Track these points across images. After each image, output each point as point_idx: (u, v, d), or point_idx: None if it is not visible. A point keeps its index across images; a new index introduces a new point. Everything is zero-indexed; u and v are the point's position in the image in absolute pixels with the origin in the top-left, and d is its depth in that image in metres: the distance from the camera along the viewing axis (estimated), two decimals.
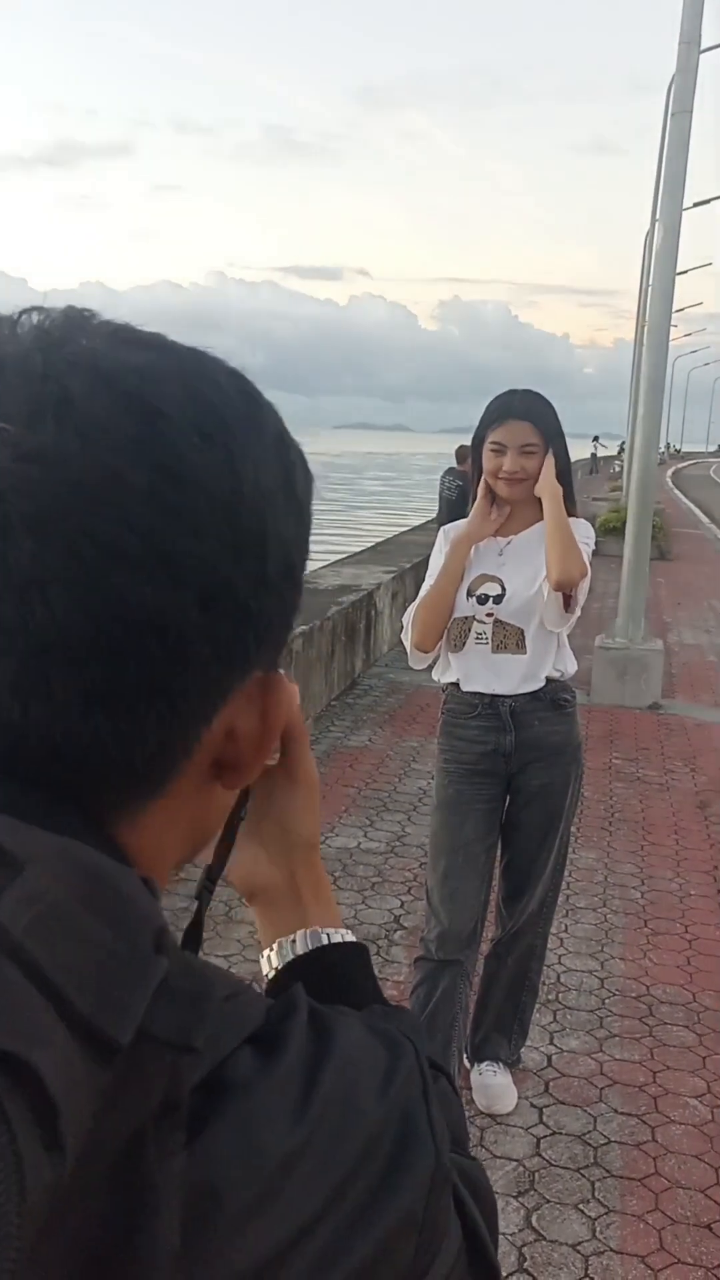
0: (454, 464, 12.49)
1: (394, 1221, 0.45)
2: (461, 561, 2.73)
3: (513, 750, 2.74)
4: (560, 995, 3.51)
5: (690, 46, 6.76)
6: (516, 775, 2.77)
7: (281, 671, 0.53)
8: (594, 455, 43.19)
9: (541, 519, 2.71)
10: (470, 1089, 2.95)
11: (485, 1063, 2.98)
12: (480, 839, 2.78)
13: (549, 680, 2.74)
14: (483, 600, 2.72)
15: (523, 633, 2.70)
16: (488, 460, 2.70)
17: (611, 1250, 2.42)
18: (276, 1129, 0.41)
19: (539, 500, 2.70)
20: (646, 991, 3.56)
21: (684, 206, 7.06)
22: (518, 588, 2.70)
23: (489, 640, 2.71)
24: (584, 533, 2.70)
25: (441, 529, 2.86)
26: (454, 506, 12.28)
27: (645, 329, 7.76)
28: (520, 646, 2.70)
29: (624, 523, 8.22)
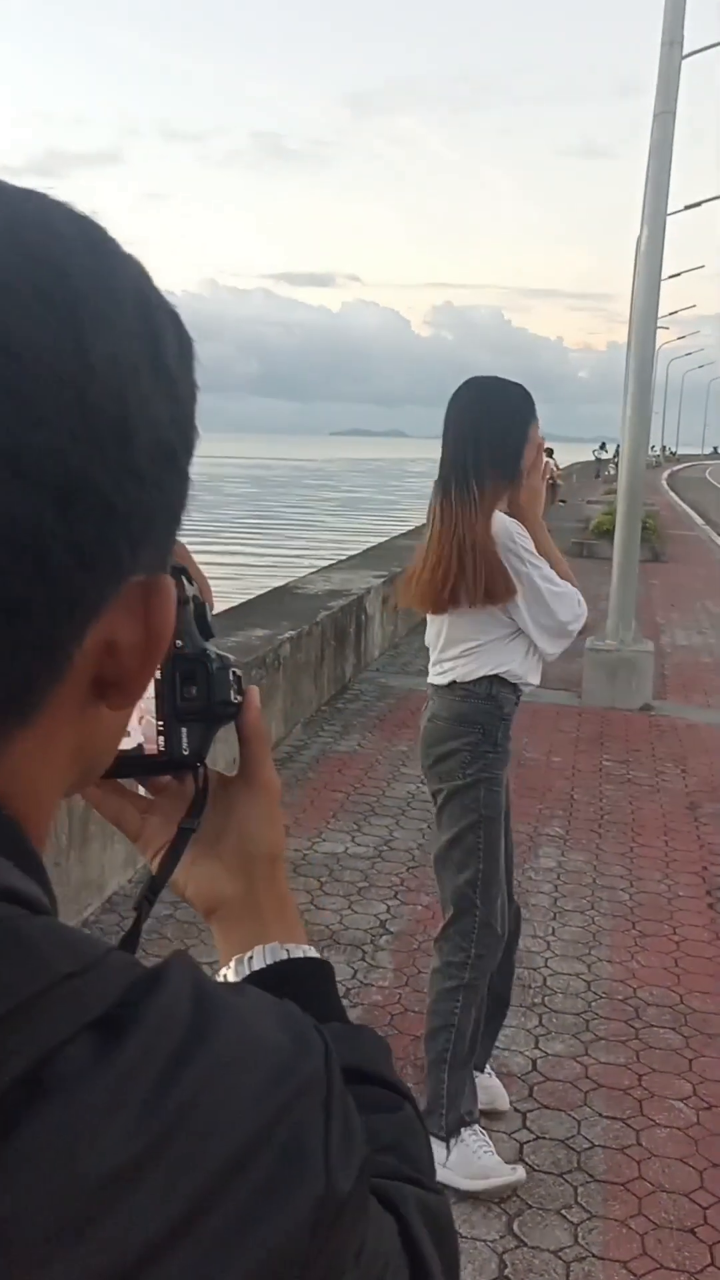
0: None
1: (262, 1256, 0.38)
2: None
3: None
4: (546, 999, 3.49)
5: (673, 47, 6.76)
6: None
7: (170, 575, 0.47)
8: (598, 459, 43.27)
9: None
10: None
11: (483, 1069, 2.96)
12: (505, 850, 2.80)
13: None
14: None
15: None
16: (540, 459, 2.69)
17: (594, 1256, 2.40)
18: (104, 1138, 0.35)
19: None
20: (633, 994, 3.54)
21: (675, 209, 7.06)
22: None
23: None
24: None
25: (516, 525, 2.64)
26: None
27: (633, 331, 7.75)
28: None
29: None
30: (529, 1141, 2.79)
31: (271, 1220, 0.39)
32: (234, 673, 0.68)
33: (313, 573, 9.29)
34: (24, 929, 0.37)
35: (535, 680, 2.78)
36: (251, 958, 0.68)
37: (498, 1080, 2.95)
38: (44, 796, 0.46)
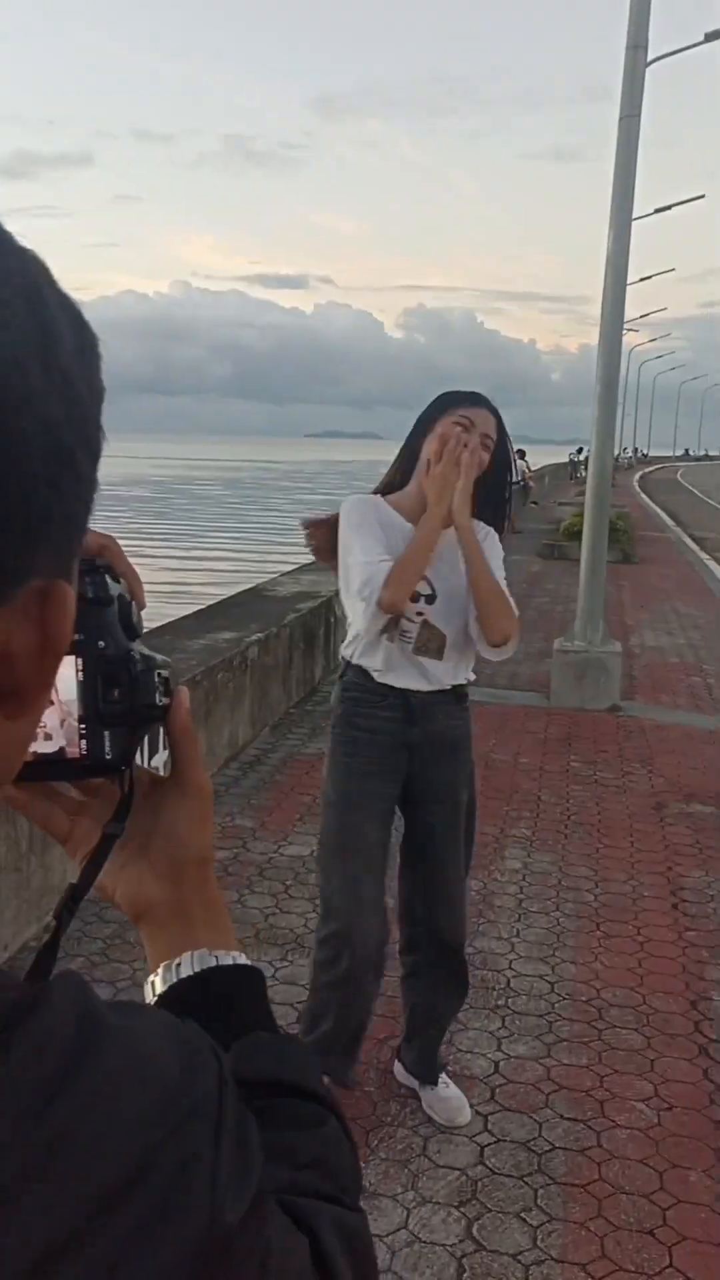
0: None
1: None
2: (438, 529, 2.56)
3: (418, 743, 2.69)
4: (510, 1001, 3.48)
5: (637, 51, 6.79)
6: (420, 773, 2.71)
7: (67, 581, 0.45)
8: (573, 462, 43.45)
9: (474, 515, 2.64)
10: (423, 1106, 2.91)
11: (439, 1078, 2.94)
12: (380, 840, 2.73)
13: (454, 685, 2.71)
14: (414, 598, 2.63)
15: (445, 639, 2.64)
16: (445, 427, 2.56)
17: (552, 1259, 2.39)
18: None
19: (473, 499, 2.59)
20: (597, 995, 3.54)
21: (644, 213, 7.09)
22: (448, 592, 2.64)
23: (413, 639, 2.64)
24: (495, 550, 2.64)
25: (361, 498, 2.67)
26: None
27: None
28: (440, 653, 2.64)
29: None
30: (490, 1145, 2.78)
31: (148, 1256, 0.38)
32: (160, 674, 0.66)
33: (282, 575, 9.28)
34: None
35: (372, 664, 2.66)
36: (179, 964, 0.67)
37: (455, 1091, 2.93)
38: None
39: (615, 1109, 2.95)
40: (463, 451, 2.53)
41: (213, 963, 0.68)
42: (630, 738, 6.72)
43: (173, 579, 18.68)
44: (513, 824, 5.11)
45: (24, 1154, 0.35)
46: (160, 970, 0.68)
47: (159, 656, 0.67)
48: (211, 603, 7.71)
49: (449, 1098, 2.89)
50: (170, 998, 0.66)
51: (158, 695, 0.66)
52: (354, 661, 2.71)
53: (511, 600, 2.62)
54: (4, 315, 0.39)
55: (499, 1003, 3.47)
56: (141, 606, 0.69)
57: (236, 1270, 0.42)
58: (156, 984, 0.68)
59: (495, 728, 6.75)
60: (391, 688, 2.67)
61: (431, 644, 2.64)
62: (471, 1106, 2.92)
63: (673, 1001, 3.52)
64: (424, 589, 2.63)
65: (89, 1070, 0.39)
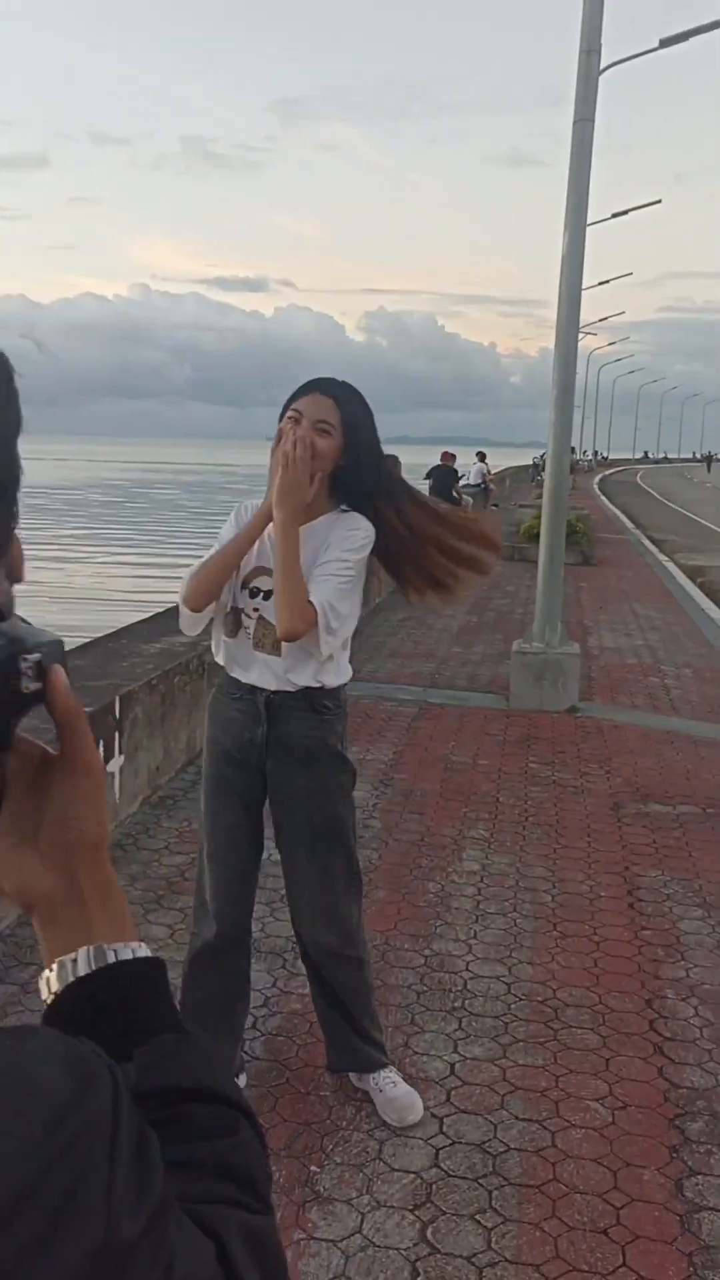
0: None
1: None
2: (260, 531, 2.62)
3: (263, 743, 2.70)
4: (467, 1002, 3.48)
5: (590, 56, 6.83)
6: (273, 773, 2.73)
7: None
8: (535, 465, 43.69)
9: (331, 510, 2.65)
10: (375, 1106, 2.90)
11: (379, 1074, 2.91)
12: (240, 824, 2.78)
13: (306, 688, 2.67)
14: (254, 594, 2.65)
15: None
16: (283, 429, 2.58)
17: (506, 1260, 2.39)
18: None
19: (328, 487, 2.60)
20: (553, 995, 3.55)
21: (601, 218, 7.14)
22: None
23: (251, 635, 2.66)
24: (344, 546, 2.58)
25: (237, 505, 2.78)
26: None
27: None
28: (276, 649, 2.63)
29: None
30: (445, 1147, 2.77)
31: (42, 1270, 0.38)
32: (26, 658, 0.62)
33: None
34: None
35: (220, 659, 2.75)
36: (75, 960, 0.66)
37: (403, 1089, 2.91)
38: None
39: (570, 1109, 2.96)
40: (288, 447, 2.54)
41: (110, 958, 0.66)
42: (588, 738, 6.75)
43: (130, 583, 18.59)
44: (471, 825, 5.11)
45: None
46: (55, 968, 0.66)
47: (32, 639, 0.63)
48: (169, 606, 7.67)
49: (396, 1097, 2.88)
50: (67, 997, 0.65)
51: (24, 681, 0.62)
52: (216, 659, 2.81)
53: (322, 606, 2.51)
54: None
55: (456, 1005, 3.46)
56: (17, 580, 0.64)
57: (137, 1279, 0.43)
58: (52, 981, 0.66)
59: (454, 729, 6.76)
60: (239, 683, 2.71)
61: (267, 639, 2.65)
62: (427, 1109, 2.92)
63: (628, 1000, 3.53)
64: (266, 585, 2.64)
65: None
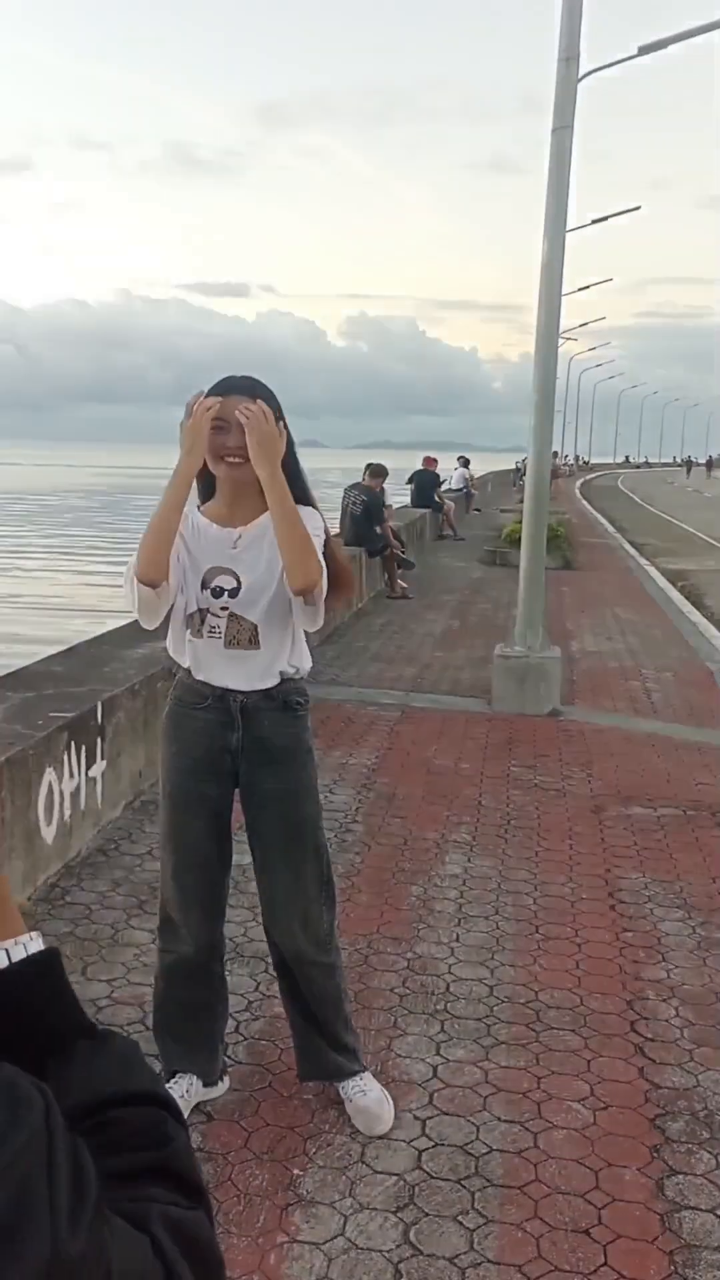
0: (360, 479, 12.58)
1: None
2: (185, 487, 2.56)
3: (239, 748, 2.71)
4: (449, 1005, 3.49)
5: (569, 63, 6.88)
6: (248, 779, 2.74)
7: None
8: (516, 470, 43.77)
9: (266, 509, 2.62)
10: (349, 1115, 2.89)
11: (349, 1083, 2.90)
12: (210, 835, 2.77)
13: (283, 678, 2.70)
14: (218, 593, 2.64)
15: (256, 628, 2.65)
16: (210, 440, 2.56)
17: (489, 1261, 2.40)
18: None
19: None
20: (535, 997, 3.57)
21: (581, 224, 7.18)
22: (254, 581, 2.64)
23: (222, 634, 2.66)
24: (315, 524, 2.60)
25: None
26: (358, 522, 12.34)
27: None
28: (254, 642, 2.65)
29: None
30: (427, 1149, 2.78)
31: None
32: None
33: None
34: None
35: (184, 662, 2.74)
36: None
37: (373, 1098, 2.88)
38: None
39: (552, 1110, 2.97)
40: (243, 410, 2.52)
41: (3, 961, 0.63)
42: (570, 742, 6.78)
43: (111, 589, 18.41)
44: (453, 829, 5.13)
45: None
46: None
47: None
48: None
49: (365, 1106, 2.86)
50: None
51: None
52: (176, 661, 2.78)
53: (319, 554, 2.56)
54: None
55: (438, 1007, 3.47)
56: None
57: None
58: None
59: (436, 733, 6.78)
60: (211, 687, 2.69)
61: (242, 635, 2.65)
62: (409, 1112, 2.93)
63: (609, 1002, 3.55)
64: (229, 583, 2.65)
65: None
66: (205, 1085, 2.92)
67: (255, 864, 2.85)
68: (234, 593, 2.64)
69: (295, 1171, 2.68)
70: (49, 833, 4.28)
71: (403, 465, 22.47)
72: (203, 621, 2.66)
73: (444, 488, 22.15)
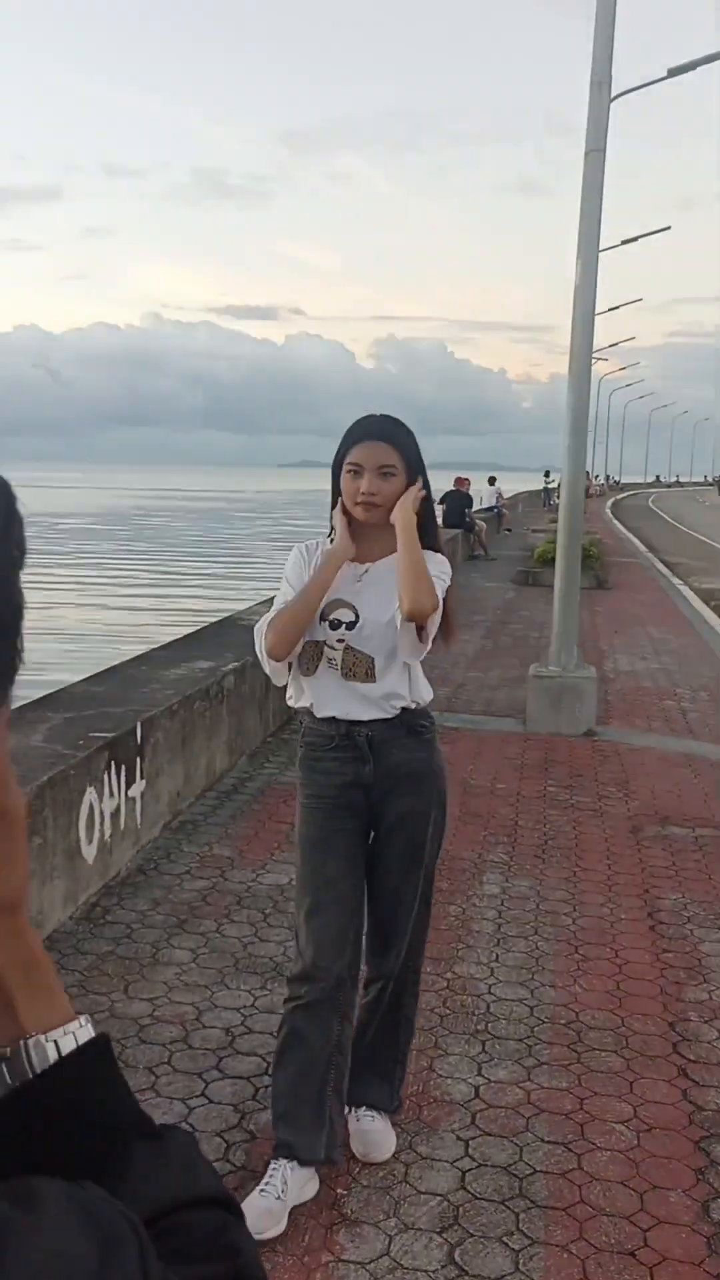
0: None
1: None
2: (333, 575, 2.66)
3: (372, 781, 2.69)
4: (490, 1025, 3.49)
5: (601, 88, 6.93)
6: (377, 806, 2.72)
7: None
8: (546, 489, 43.66)
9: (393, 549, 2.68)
10: (349, 1135, 2.84)
11: (363, 1109, 2.88)
12: (345, 875, 2.71)
13: (403, 709, 2.71)
14: (335, 626, 2.67)
15: (373, 661, 2.66)
16: (345, 483, 2.66)
17: None
18: None
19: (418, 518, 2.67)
20: (576, 1018, 3.56)
21: (610, 245, 7.21)
22: (371, 615, 2.67)
23: (339, 666, 2.68)
24: (438, 567, 2.67)
25: (299, 546, 2.81)
26: None
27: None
28: (370, 675, 2.66)
29: None
30: (471, 1169, 2.78)
31: None
32: None
33: (256, 604, 9.30)
34: None
35: (307, 702, 2.74)
36: (9, 1059, 0.56)
37: (379, 1125, 2.87)
38: None
39: (595, 1131, 2.96)
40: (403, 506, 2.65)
41: (51, 1054, 0.56)
42: (606, 762, 6.76)
43: (147, 610, 18.66)
44: (490, 849, 5.12)
45: None
46: None
47: None
48: (186, 632, 7.71)
49: (370, 1130, 2.85)
50: (3, 1105, 0.54)
51: None
52: (296, 706, 2.79)
53: (438, 589, 2.63)
54: None
55: (479, 1027, 3.47)
56: None
57: None
58: None
59: (472, 753, 6.78)
60: (336, 722, 2.68)
61: (359, 667, 2.67)
62: (452, 1132, 2.93)
63: (651, 1023, 3.54)
64: (347, 616, 2.68)
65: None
66: (302, 1165, 2.65)
67: (374, 887, 2.78)
68: (351, 625, 2.66)
69: (339, 1191, 2.69)
70: (89, 852, 4.32)
71: (434, 486, 22.50)
72: (318, 654, 2.68)
73: (475, 508, 22.18)
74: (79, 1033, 0.57)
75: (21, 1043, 0.56)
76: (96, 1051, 0.57)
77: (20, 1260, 0.38)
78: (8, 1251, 0.38)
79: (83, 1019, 0.59)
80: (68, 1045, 0.56)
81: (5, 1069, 0.55)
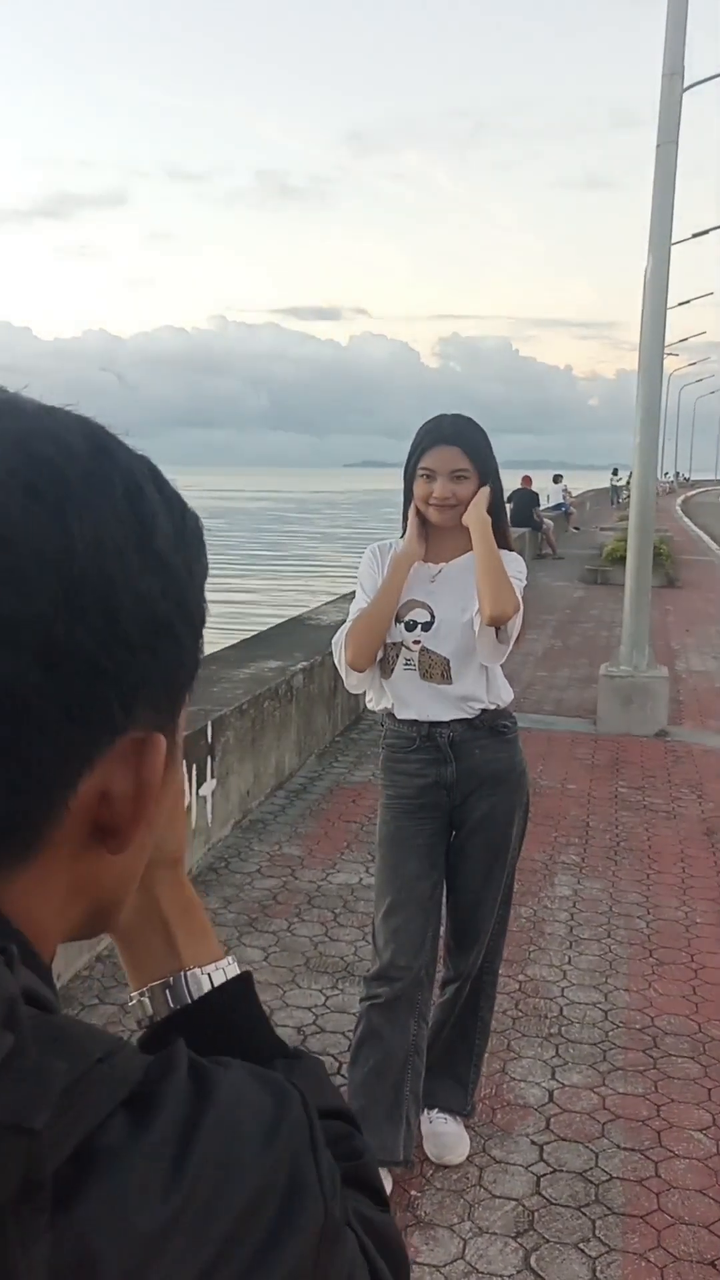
0: None
1: (283, 1274, 0.45)
2: (403, 579, 2.66)
3: (454, 781, 2.67)
4: (563, 1029, 3.45)
5: (673, 79, 6.83)
6: (459, 807, 2.70)
7: (167, 734, 0.50)
8: (614, 486, 43.19)
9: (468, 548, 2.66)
10: (422, 1136, 2.83)
11: (435, 1110, 2.86)
12: (424, 875, 2.69)
13: (483, 710, 2.68)
14: (410, 627, 2.66)
15: (448, 663, 2.64)
16: (418, 487, 2.65)
17: None
18: (148, 1200, 0.40)
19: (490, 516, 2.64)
20: (651, 1023, 3.50)
21: (681, 238, 7.11)
22: (446, 616, 2.65)
23: (416, 667, 2.66)
24: (515, 567, 2.64)
25: (371, 547, 2.80)
26: None
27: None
28: (445, 677, 2.64)
29: None
30: (546, 1175, 2.75)
31: (286, 1248, 0.45)
32: None
33: (326, 603, 9.31)
34: (59, 1022, 0.42)
35: (388, 704, 2.73)
36: (169, 990, 0.66)
37: (452, 1127, 2.85)
38: (47, 927, 0.50)
39: (673, 1138, 2.91)
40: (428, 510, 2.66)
41: (205, 984, 0.66)
42: (679, 763, 6.66)
43: (215, 610, 18.67)
44: (562, 850, 5.07)
45: (178, 1191, 0.41)
46: (147, 994, 0.67)
47: None
48: (255, 632, 7.75)
49: (444, 1132, 2.84)
50: (165, 1025, 0.65)
51: None
52: (377, 709, 2.78)
53: (516, 590, 2.60)
54: (106, 512, 0.46)
55: (552, 1031, 3.44)
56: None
57: (339, 1254, 0.50)
58: (147, 1005, 0.67)
59: (542, 754, 6.72)
60: (417, 724, 2.67)
61: (435, 669, 2.65)
62: (526, 1136, 2.90)
63: None
64: (423, 617, 2.66)
65: (211, 1118, 0.45)
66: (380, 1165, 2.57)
67: (457, 887, 2.77)
68: (427, 626, 2.65)
69: (413, 1193, 2.67)
70: None
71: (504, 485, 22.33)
72: (397, 655, 2.67)
73: (543, 507, 22.01)
74: (228, 969, 0.68)
75: (181, 974, 0.66)
76: (241, 985, 0.68)
77: (224, 1100, 0.46)
78: (217, 1092, 0.46)
79: (230, 958, 0.69)
80: (219, 978, 0.67)
81: (169, 995, 0.66)
